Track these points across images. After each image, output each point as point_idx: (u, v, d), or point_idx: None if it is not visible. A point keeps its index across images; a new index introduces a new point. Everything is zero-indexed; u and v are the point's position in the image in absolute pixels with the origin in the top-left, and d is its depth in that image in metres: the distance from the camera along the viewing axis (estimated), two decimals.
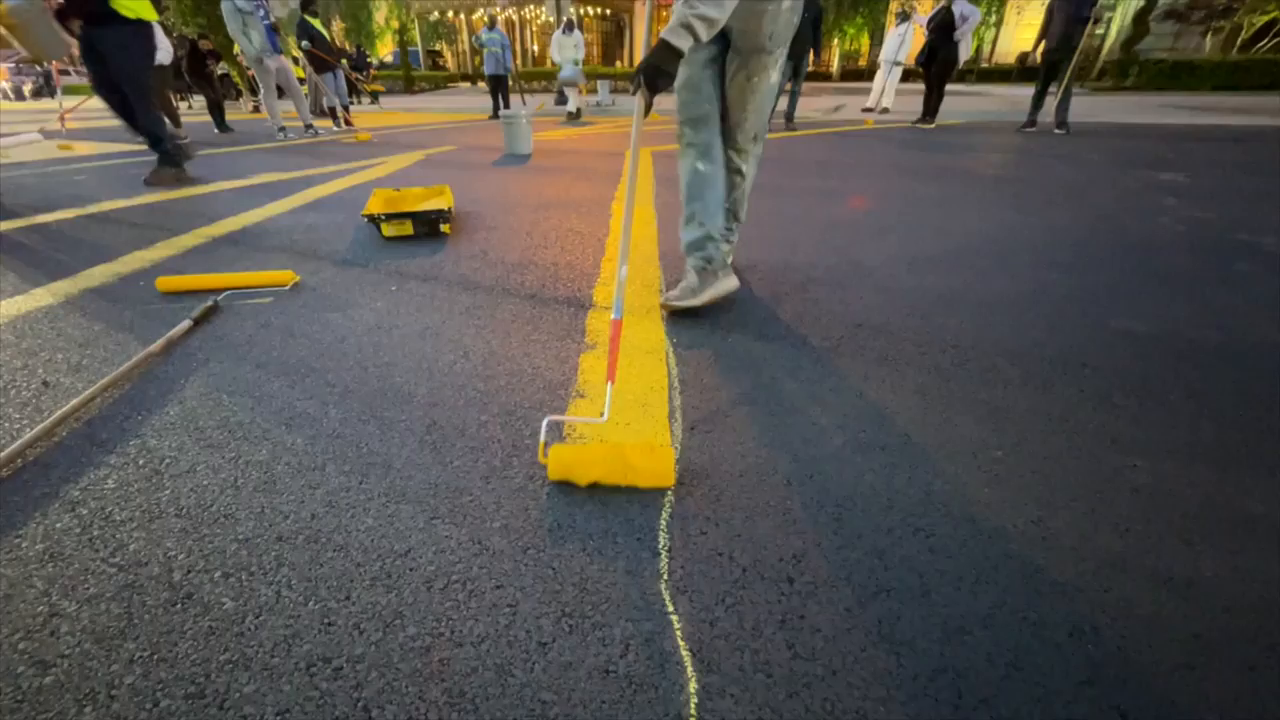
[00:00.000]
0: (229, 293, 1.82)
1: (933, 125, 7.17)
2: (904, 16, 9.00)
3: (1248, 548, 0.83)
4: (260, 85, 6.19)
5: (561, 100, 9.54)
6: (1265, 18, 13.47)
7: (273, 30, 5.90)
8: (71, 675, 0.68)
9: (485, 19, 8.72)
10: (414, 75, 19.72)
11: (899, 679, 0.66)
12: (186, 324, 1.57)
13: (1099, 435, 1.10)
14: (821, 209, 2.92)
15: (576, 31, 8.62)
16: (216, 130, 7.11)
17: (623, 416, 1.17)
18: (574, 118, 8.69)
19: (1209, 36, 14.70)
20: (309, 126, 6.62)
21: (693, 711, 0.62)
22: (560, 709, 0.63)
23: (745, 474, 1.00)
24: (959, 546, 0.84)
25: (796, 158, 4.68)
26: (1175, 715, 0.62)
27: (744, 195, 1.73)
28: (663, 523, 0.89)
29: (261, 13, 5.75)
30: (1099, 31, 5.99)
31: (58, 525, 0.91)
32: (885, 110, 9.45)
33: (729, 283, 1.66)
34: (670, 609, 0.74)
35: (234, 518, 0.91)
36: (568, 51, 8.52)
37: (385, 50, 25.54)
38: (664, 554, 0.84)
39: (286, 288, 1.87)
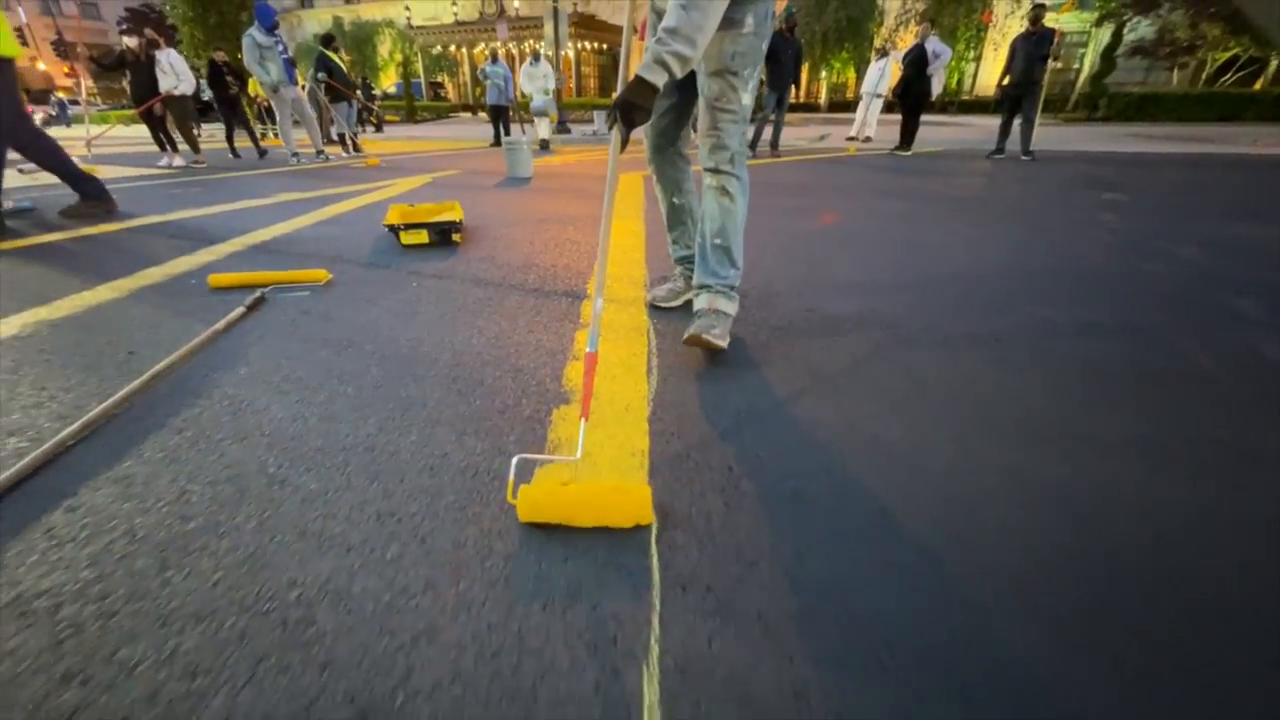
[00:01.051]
0: (272, 287, 2.11)
1: (909, 152, 7.61)
2: (883, 53, 9.58)
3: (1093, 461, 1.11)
4: (276, 113, 6.58)
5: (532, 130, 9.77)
6: (1226, 54, 14.25)
7: (290, 64, 6.32)
8: (207, 524, 0.94)
9: (487, 53, 9.30)
10: (416, 105, 20.40)
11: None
12: (241, 310, 1.85)
13: (993, 385, 1.38)
14: (795, 224, 3.24)
15: (544, 62, 8.91)
16: (232, 155, 7.59)
17: (604, 410, 1.45)
18: (544, 147, 8.92)
19: (1175, 71, 15.49)
20: (320, 152, 7.00)
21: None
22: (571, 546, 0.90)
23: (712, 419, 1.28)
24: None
25: (777, 180, 5.05)
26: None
27: (737, 229, 1.57)
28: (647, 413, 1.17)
29: (280, 47, 6.18)
30: (1057, 65, 6.42)
31: (170, 442, 1.17)
32: (868, 139, 9.97)
33: None
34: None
35: (306, 437, 1.18)
36: (537, 82, 8.83)
37: (389, 81, 26.43)
38: (644, 454, 1.11)
39: (321, 284, 2.16)
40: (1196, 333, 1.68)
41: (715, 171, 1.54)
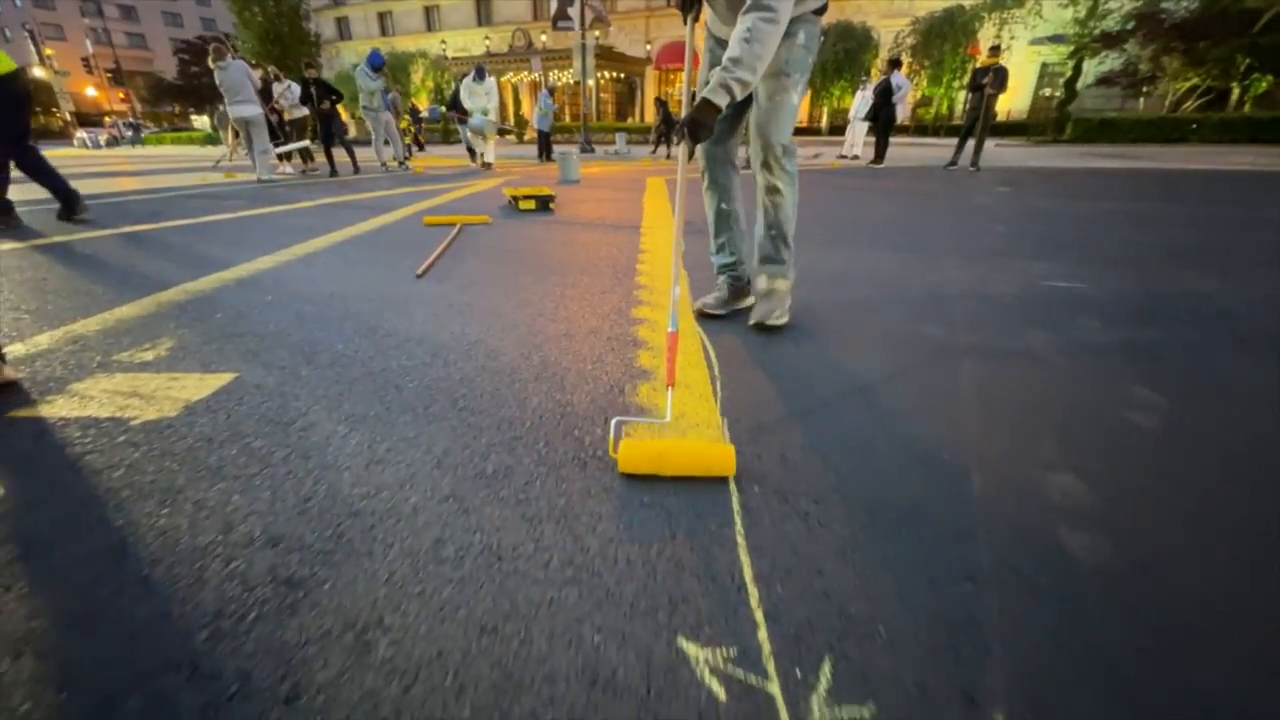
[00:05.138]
0: (462, 225, 3.74)
1: (882, 165, 9.23)
2: (864, 84, 11.31)
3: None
4: (373, 134, 8.38)
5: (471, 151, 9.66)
6: (1186, 84, 15.87)
7: (386, 94, 8.14)
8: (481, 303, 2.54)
9: (515, 81, 11.07)
10: (451, 128, 22.51)
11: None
12: (456, 229, 3.48)
13: (853, 325, 2.95)
14: None
15: (489, 79, 8.56)
16: (339, 173, 8.05)
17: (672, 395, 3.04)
18: (486, 168, 8.81)
19: (1141, 99, 17.14)
20: (403, 163, 8.79)
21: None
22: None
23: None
24: None
25: None
26: None
27: (789, 218, 1.74)
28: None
29: (381, 82, 7.99)
30: (1000, 94, 7.92)
31: (460, 263, 2.78)
32: (856, 157, 11.62)
33: (750, 300, 1.93)
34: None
35: (516, 280, 2.77)
36: (479, 100, 8.38)
37: (422, 105, 28.77)
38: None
39: (488, 223, 3.79)
40: (976, 259, 3.24)
41: (765, 167, 1.68)
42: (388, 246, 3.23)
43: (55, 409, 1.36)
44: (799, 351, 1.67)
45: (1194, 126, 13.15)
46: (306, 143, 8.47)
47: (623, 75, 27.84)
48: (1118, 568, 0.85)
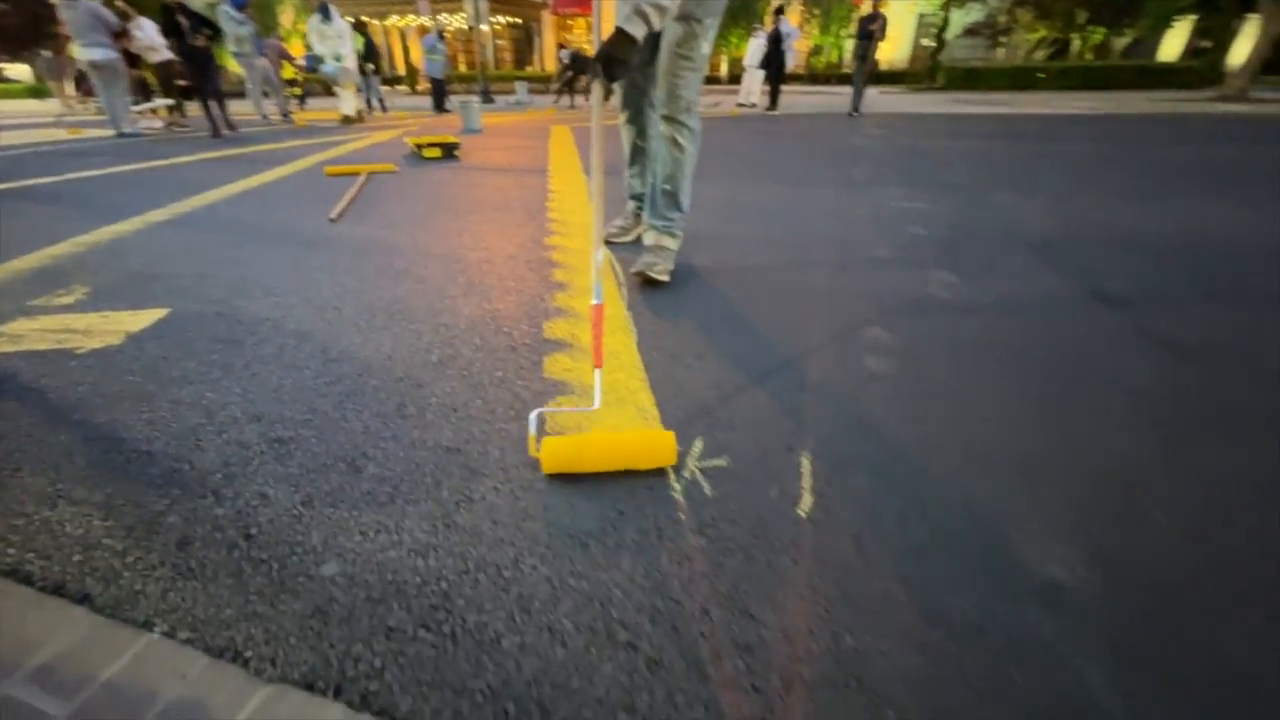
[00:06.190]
0: (368, 174, 3.71)
1: (776, 112, 9.69)
2: (757, 32, 11.62)
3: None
4: (248, 82, 7.65)
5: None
6: (1036, 35, 17.53)
7: (257, 37, 7.43)
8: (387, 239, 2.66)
9: (401, 26, 10.10)
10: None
11: None
12: (363, 178, 3.47)
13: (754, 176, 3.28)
14: None
15: (339, 20, 7.22)
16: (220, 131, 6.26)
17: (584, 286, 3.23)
18: (350, 121, 7.65)
19: (1000, 49, 18.77)
20: (285, 116, 8.14)
21: None
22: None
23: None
24: None
25: None
26: None
27: (684, 176, 1.71)
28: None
29: (250, 25, 7.27)
30: (882, 42, 8.47)
31: (369, 207, 2.85)
32: (754, 105, 12.01)
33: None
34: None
35: (431, 219, 2.89)
36: (329, 43, 7.15)
37: (297, 53, 25.91)
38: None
39: (394, 171, 3.78)
40: (844, 189, 3.67)
41: (670, 120, 1.61)
42: (292, 196, 3.18)
43: None
44: (693, 255, 1.98)
45: (1041, 75, 14.72)
46: (167, 100, 7.46)
47: (519, 20, 26.45)
48: (900, 375, 1.24)
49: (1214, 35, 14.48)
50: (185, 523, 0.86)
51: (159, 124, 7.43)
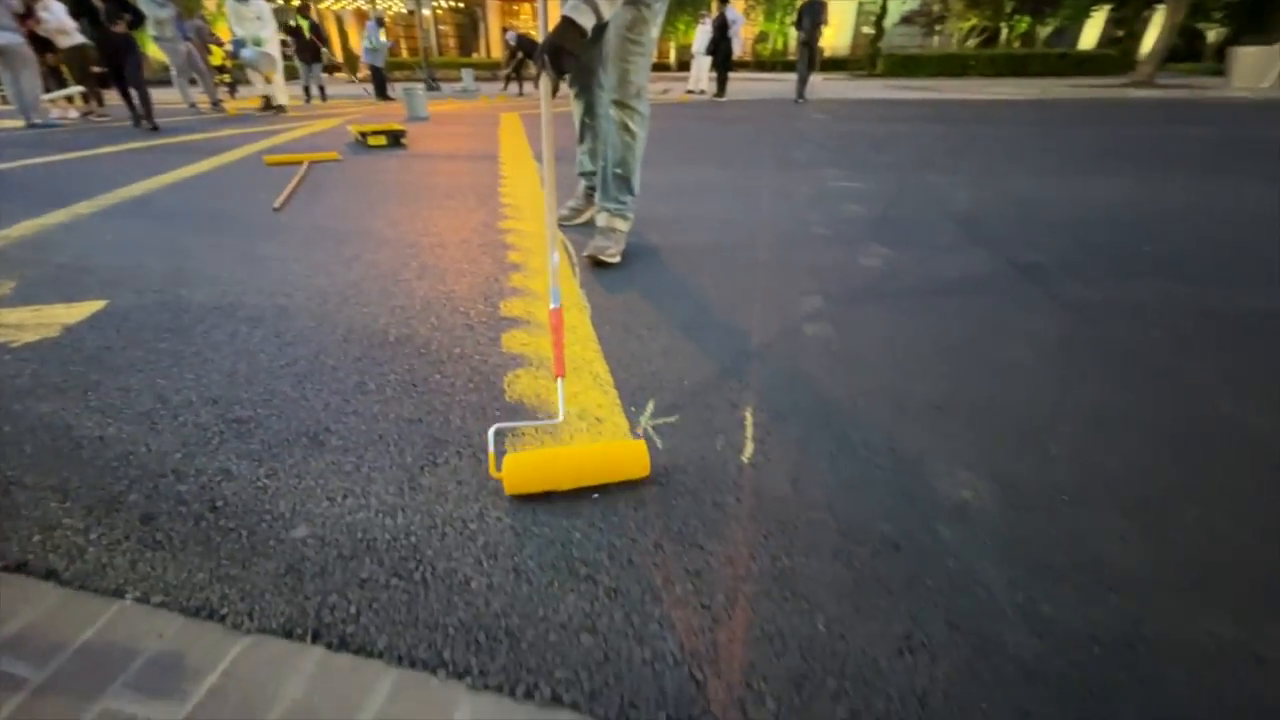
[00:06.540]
0: (310, 162, 3.60)
1: (724, 99, 9.81)
2: (704, 19, 11.70)
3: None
4: (172, 68, 7.21)
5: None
6: (967, 24, 18.27)
7: (179, 20, 7.00)
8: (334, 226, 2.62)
9: (344, 6, 9.69)
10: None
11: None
12: (305, 167, 3.37)
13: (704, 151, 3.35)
14: None
15: (257, 0, 6.79)
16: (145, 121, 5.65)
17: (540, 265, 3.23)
18: (271, 109, 7.23)
19: (935, 37, 19.49)
20: (216, 104, 7.71)
21: None
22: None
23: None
24: None
25: None
26: None
27: (635, 159, 1.74)
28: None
29: (170, 8, 6.84)
30: (825, 28, 8.62)
31: (312, 198, 2.79)
32: (702, 92, 12.10)
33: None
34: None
35: (381, 206, 2.85)
36: (248, 26, 6.74)
37: (225, 37, 24.43)
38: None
39: (338, 159, 3.68)
40: (787, 170, 3.79)
41: (620, 105, 1.62)
42: (230, 186, 3.07)
43: None
44: (643, 235, 2.04)
45: (973, 62, 15.41)
46: (81, 88, 6.90)
47: (462, 5, 25.69)
48: (834, 337, 1.34)
49: (1126, 25, 15.47)
50: (147, 500, 0.87)
51: (74, 114, 6.91)
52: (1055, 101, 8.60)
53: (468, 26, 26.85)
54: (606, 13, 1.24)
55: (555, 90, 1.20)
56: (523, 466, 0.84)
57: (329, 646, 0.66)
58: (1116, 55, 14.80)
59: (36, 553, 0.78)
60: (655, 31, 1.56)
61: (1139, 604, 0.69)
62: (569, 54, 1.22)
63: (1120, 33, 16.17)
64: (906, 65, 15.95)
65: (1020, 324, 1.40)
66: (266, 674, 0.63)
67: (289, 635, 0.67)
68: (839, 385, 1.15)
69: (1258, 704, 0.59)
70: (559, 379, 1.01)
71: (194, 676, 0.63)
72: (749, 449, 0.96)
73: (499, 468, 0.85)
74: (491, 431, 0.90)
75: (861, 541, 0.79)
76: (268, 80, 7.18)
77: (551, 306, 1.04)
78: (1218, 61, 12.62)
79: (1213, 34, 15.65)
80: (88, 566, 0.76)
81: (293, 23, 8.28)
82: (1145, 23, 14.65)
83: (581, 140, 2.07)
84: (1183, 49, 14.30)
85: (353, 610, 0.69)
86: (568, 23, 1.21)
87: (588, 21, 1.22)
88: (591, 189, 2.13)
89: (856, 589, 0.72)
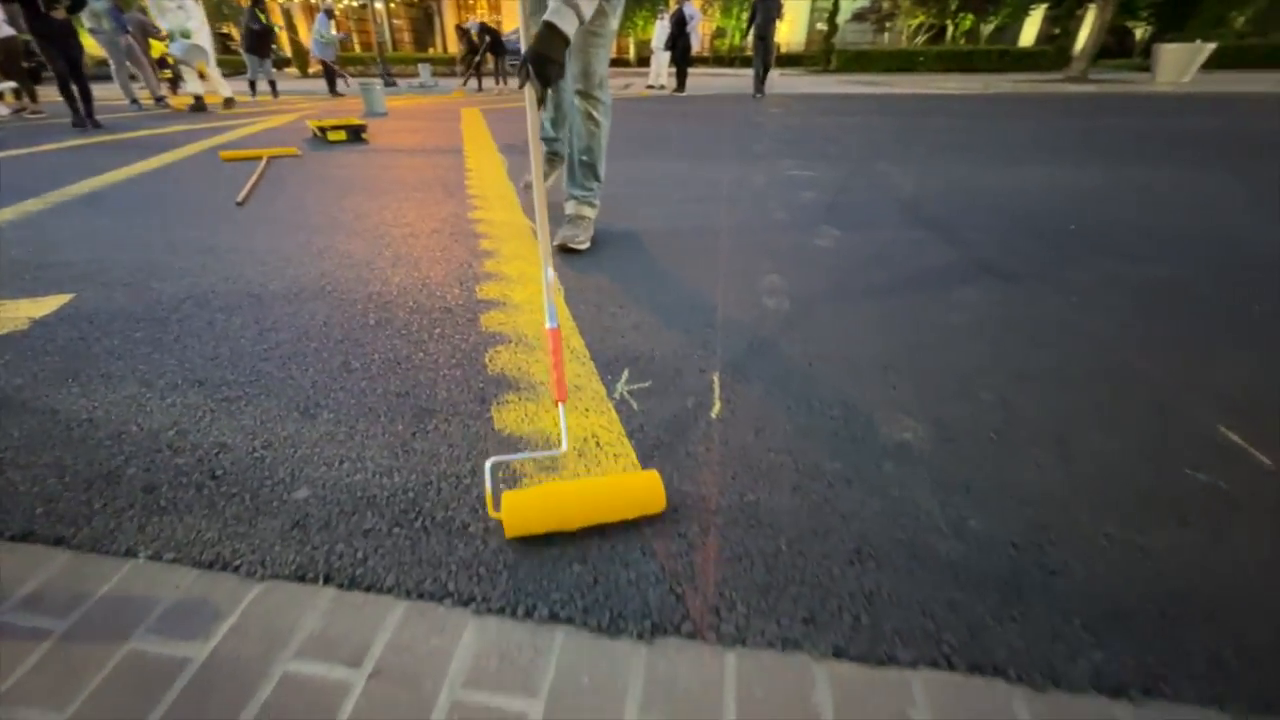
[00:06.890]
0: (269, 158, 3.53)
1: (684, 93, 9.93)
2: (662, 14, 11.79)
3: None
4: (112, 63, 6.88)
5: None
6: (915, 21, 18.90)
7: (118, 12, 6.69)
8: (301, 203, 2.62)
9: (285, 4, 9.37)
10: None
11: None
12: (263, 162, 3.32)
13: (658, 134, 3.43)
14: None
15: None
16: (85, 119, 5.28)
17: (508, 239, 3.26)
18: (197, 109, 6.70)
19: (886, 34, 20.09)
20: (159, 100, 7.40)
21: None
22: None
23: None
24: None
25: None
26: None
27: (601, 147, 1.82)
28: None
29: (115, 8, 6.52)
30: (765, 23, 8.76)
31: (274, 190, 2.77)
32: (663, 87, 12.20)
33: (558, 172, 2.23)
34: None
35: (347, 200, 2.85)
36: (172, 18, 6.24)
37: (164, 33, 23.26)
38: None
39: (297, 155, 3.63)
40: (744, 161, 3.92)
41: (584, 95, 1.68)
42: (187, 181, 3.01)
43: None
44: (610, 222, 2.12)
45: (921, 58, 15.99)
46: (12, 84, 6.53)
47: None
48: (791, 309, 1.45)
49: (1062, 23, 16.28)
50: (146, 473, 0.91)
51: (5, 110, 6.54)
52: (997, 96, 9.02)
53: (422, 21, 26.28)
54: (587, 14, 1.22)
55: (542, 101, 1.15)
56: (524, 506, 0.76)
57: (340, 586, 0.72)
58: (1053, 52, 15.57)
59: (43, 523, 0.81)
60: (615, 23, 1.62)
61: (1049, 516, 0.81)
62: (555, 63, 1.15)
63: (1056, 30, 17.00)
64: (860, 61, 16.42)
65: (959, 294, 1.54)
66: (284, 611, 0.69)
67: (301, 579, 0.73)
68: (796, 351, 1.26)
69: (1143, 585, 0.72)
70: (559, 404, 0.90)
71: (215, 618, 0.68)
72: (717, 407, 1.06)
73: (497, 507, 0.77)
74: (488, 465, 0.82)
75: (817, 477, 0.89)
76: (201, 75, 6.72)
77: (548, 326, 0.95)
78: (1144, 58, 13.43)
79: (1140, 31, 16.62)
80: (96, 532, 0.80)
81: (262, 16, 7.97)
82: (1079, 21, 15.44)
83: (542, 105, 2.14)
84: (1113, 46, 15.18)
85: (359, 555, 0.76)
86: (552, 30, 1.16)
87: (571, 27, 1.19)
88: (553, 153, 2.31)
89: (813, 516, 0.82)
